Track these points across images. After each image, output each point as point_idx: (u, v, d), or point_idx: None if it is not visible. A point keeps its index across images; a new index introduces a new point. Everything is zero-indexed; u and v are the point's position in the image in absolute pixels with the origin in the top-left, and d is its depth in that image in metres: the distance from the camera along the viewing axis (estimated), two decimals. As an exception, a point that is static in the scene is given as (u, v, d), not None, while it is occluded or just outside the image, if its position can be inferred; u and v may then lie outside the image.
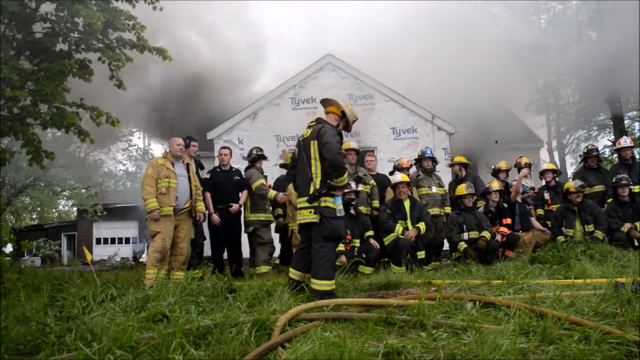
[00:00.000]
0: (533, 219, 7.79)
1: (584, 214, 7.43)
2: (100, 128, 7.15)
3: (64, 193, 25.39)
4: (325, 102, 4.62)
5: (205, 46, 17.72)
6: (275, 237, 7.55)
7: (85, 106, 6.81)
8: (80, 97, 6.86)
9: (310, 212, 4.20)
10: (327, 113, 4.57)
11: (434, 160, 7.97)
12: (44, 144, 7.10)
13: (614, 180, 7.54)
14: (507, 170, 8.36)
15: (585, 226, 7.37)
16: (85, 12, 5.97)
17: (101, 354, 2.44)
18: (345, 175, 4.28)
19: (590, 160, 8.28)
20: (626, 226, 7.18)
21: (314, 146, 4.28)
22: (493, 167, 8.57)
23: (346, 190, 5.89)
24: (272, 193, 7.00)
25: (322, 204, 4.20)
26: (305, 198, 4.25)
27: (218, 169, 7.18)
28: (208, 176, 7.08)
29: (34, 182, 21.56)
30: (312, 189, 4.22)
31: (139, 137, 26.75)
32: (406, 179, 7.01)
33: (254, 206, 7.08)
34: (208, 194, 6.84)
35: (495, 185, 7.56)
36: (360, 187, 6.77)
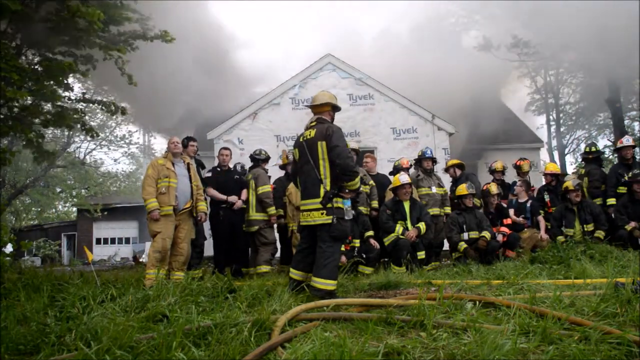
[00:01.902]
0: (540, 218, 7.77)
1: (583, 214, 7.41)
2: (100, 127, 7.15)
3: (62, 194, 25.38)
4: (317, 105, 4.59)
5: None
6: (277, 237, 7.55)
7: (87, 99, 6.81)
8: (92, 90, 6.86)
9: (323, 214, 4.20)
10: (321, 112, 4.58)
11: (433, 161, 7.98)
12: (43, 144, 7.10)
13: (630, 176, 7.47)
14: (502, 171, 8.39)
15: (585, 226, 7.36)
16: (85, 9, 5.96)
17: (101, 354, 2.43)
18: (357, 179, 4.30)
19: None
20: (630, 224, 7.15)
21: (321, 147, 4.27)
22: (489, 167, 8.60)
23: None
24: (272, 210, 6.97)
25: (335, 205, 4.22)
26: (316, 200, 4.24)
27: (218, 169, 7.17)
28: (210, 174, 7.09)
29: (34, 183, 21.56)
30: (322, 191, 4.22)
31: (138, 137, 26.78)
32: (408, 179, 7.02)
33: (260, 205, 7.05)
34: (212, 189, 6.88)
35: (494, 189, 7.58)
36: (360, 188, 6.76)
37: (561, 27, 13.97)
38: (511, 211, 7.78)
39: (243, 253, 7.17)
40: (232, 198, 6.90)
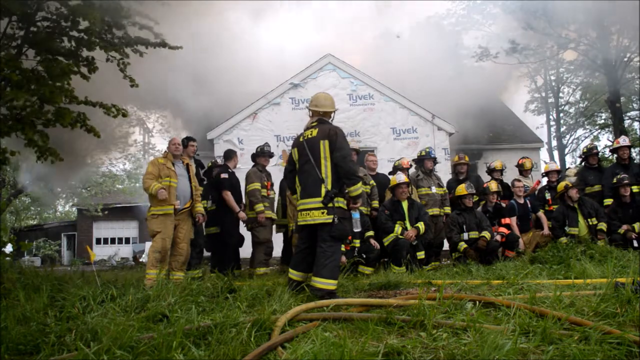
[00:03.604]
0: (540, 214, 7.81)
1: (585, 209, 7.46)
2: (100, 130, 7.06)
3: (62, 194, 25.37)
4: (319, 107, 4.59)
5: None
6: (277, 236, 7.53)
7: (90, 102, 6.75)
8: (94, 91, 6.78)
9: (324, 213, 4.20)
10: (324, 114, 4.58)
11: (434, 161, 7.99)
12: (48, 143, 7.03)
13: (615, 181, 7.52)
14: (501, 170, 8.41)
15: (589, 220, 7.39)
16: (85, 11, 5.93)
17: (101, 354, 2.43)
18: (359, 184, 4.33)
19: (592, 159, 8.29)
20: (623, 228, 7.19)
21: (324, 145, 4.27)
22: (488, 165, 8.61)
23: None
24: (259, 208, 6.89)
25: (336, 205, 4.22)
26: (316, 199, 4.23)
27: (230, 170, 7.15)
28: (226, 176, 6.99)
29: (34, 182, 21.54)
30: (323, 190, 4.22)
31: (140, 134, 26.72)
32: (406, 179, 7.02)
33: (251, 203, 7.03)
34: (229, 193, 6.84)
35: (493, 186, 7.59)
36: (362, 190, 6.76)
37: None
38: (543, 220, 7.82)
39: (235, 253, 7.21)
40: (242, 215, 6.97)
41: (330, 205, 4.19)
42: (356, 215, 4.38)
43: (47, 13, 6.44)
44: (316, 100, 4.62)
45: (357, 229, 4.38)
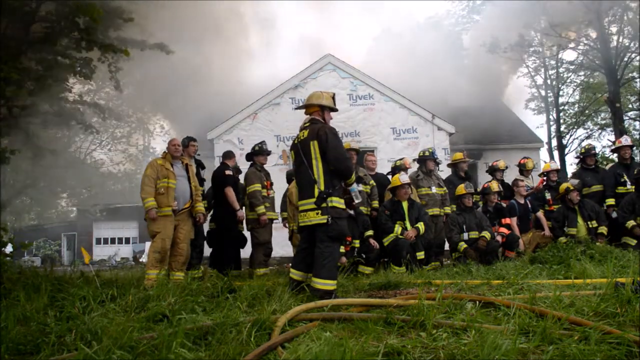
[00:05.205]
0: (540, 214, 7.80)
1: (585, 211, 7.44)
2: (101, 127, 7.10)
3: (63, 195, 25.35)
4: (306, 106, 4.61)
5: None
6: (277, 237, 7.51)
7: (85, 102, 6.78)
8: (89, 89, 6.85)
9: (318, 214, 4.19)
10: (311, 114, 4.57)
11: (435, 162, 7.98)
12: (44, 144, 7.07)
13: (636, 172, 7.42)
14: (503, 170, 8.41)
15: (589, 222, 7.37)
16: (85, 8, 5.93)
17: (101, 354, 2.43)
18: (353, 176, 4.38)
19: (589, 160, 8.27)
20: (631, 222, 7.13)
21: (314, 146, 4.27)
22: (491, 165, 8.59)
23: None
24: (260, 210, 6.88)
25: (330, 205, 4.20)
26: (311, 200, 4.23)
27: (230, 168, 7.18)
28: (230, 172, 7.01)
29: (34, 183, 21.52)
30: (316, 191, 4.22)
31: (137, 138, 26.75)
32: (408, 179, 7.03)
33: (252, 205, 7.03)
34: (231, 189, 6.84)
35: (494, 186, 7.58)
36: (361, 187, 6.76)
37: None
38: (543, 219, 7.81)
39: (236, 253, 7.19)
40: (241, 214, 6.96)
41: (324, 205, 4.17)
42: (354, 189, 4.39)
43: (46, 13, 6.46)
44: (305, 101, 4.62)
45: (358, 200, 4.41)
